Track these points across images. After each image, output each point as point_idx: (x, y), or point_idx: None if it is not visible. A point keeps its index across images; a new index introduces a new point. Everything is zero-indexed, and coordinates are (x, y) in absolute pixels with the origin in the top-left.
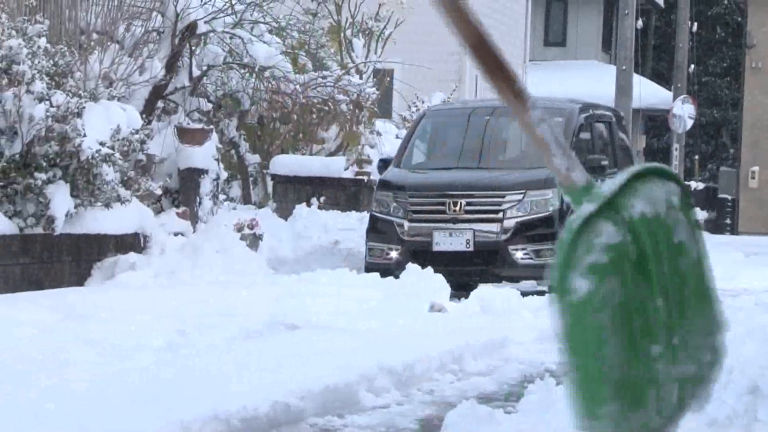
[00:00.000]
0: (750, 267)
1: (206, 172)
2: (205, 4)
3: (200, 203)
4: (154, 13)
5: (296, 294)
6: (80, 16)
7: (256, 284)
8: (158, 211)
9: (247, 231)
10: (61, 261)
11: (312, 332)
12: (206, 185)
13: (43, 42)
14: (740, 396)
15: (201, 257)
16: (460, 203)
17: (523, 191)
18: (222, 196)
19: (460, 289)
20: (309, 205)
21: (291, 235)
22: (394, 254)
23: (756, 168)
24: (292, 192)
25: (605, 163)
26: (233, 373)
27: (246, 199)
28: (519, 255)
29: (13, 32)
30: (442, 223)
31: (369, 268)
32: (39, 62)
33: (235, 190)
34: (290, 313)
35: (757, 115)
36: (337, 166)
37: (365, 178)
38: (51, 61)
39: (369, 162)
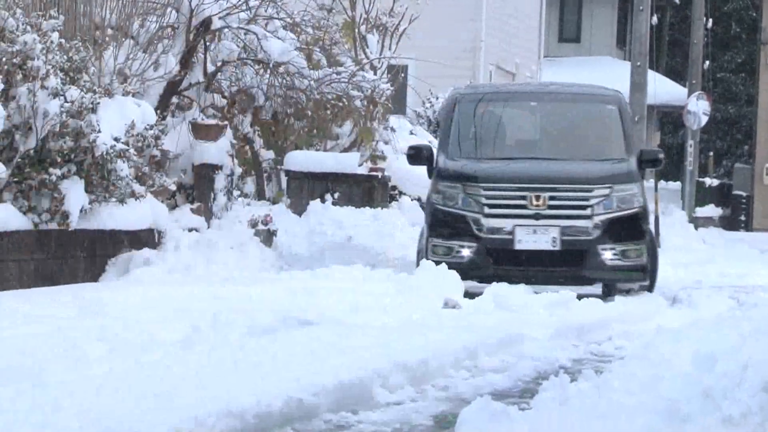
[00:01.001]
0: (765, 264)
1: (220, 167)
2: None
3: (214, 199)
4: (169, 9)
5: (310, 290)
6: (95, 12)
7: (270, 280)
8: (172, 207)
9: (261, 227)
10: (76, 257)
11: (326, 328)
12: (220, 181)
13: (57, 37)
14: (755, 393)
15: (215, 253)
16: (544, 197)
17: (610, 185)
18: (236, 192)
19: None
20: (323, 201)
21: (305, 231)
22: (466, 252)
23: None
24: (306, 188)
25: (662, 156)
26: (247, 369)
27: (260, 195)
28: (608, 255)
29: (28, 27)
30: (523, 218)
31: (435, 264)
32: (53, 58)
33: (249, 185)
34: (304, 309)
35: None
36: (351, 162)
37: (379, 174)
38: (65, 57)
39: (383, 158)
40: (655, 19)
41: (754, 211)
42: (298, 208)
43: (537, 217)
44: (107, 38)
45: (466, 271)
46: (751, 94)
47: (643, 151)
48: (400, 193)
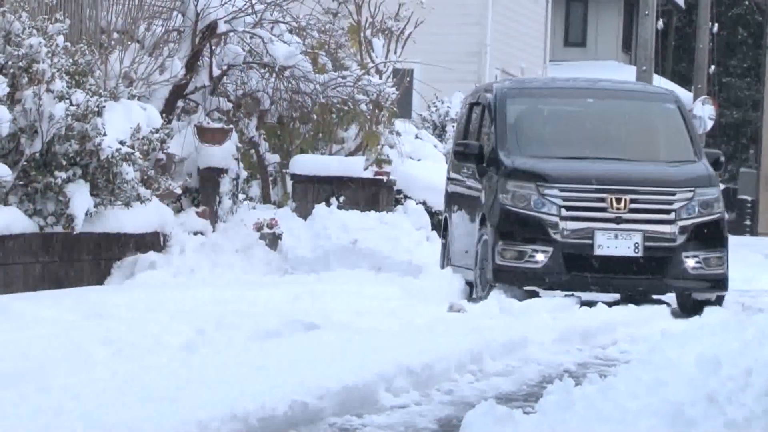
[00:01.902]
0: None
1: (226, 171)
2: (225, 3)
3: (220, 202)
4: (175, 13)
5: (315, 293)
6: (100, 15)
7: (274, 283)
8: (178, 210)
9: (266, 230)
10: (81, 260)
11: (331, 332)
12: (226, 184)
13: (62, 41)
14: (759, 397)
15: (220, 256)
16: (625, 200)
17: (693, 189)
18: (241, 196)
19: (623, 301)
20: (328, 204)
21: (310, 234)
22: (540, 257)
23: None
24: (312, 192)
25: (723, 158)
26: (251, 373)
27: (265, 199)
28: (691, 263)
29: (34, 31)
30: (603, 222)
31: (500, 271)
32: (59, 61)
33: (255, 189)
34: (309, 313)
35: None
36: (357, 166)
37: (384, 178)
38: (71, 60)
39: (388, 162)
40: (660, 23)
41: (760, 215)
42: (304, 212)
43: (618, 221)
44: (113, 42)
45: (540, 277)
46: (757, 99)
47: (707, 153)
48: (405, 196)
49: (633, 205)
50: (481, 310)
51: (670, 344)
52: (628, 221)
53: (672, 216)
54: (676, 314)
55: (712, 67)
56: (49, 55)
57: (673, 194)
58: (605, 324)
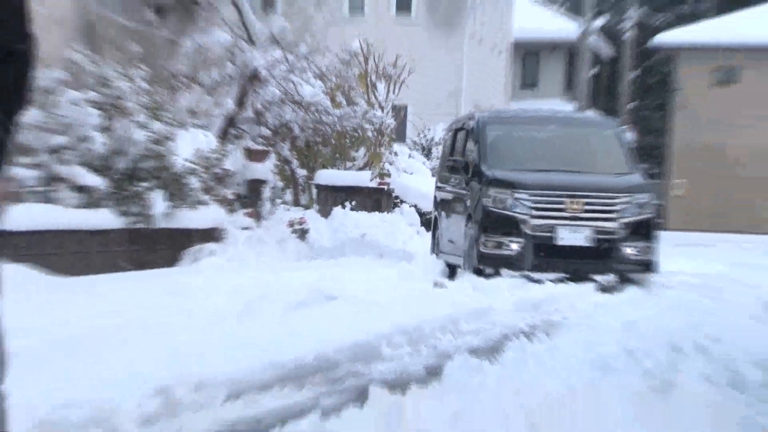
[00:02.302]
0: (676, 255)
1: (266, 182)
2: (266, 54)
3: (262, 206)
4: (228, 62)
5: (334, 274)
6: (172, 65)
7: (303, 267)
8: (231, 212)
9: (297, 227)
10: (158, 248)
11: (346, 302)
12: (266, 192)
13: (143, 84)
14: (667, 352)
15: (263, 247)
16: (579, 203)
17: (630, 194)
18: (278, 200)
19: (577, 281)
20: (343, 207)
21: (330, 230)
22: (515, 246)
23: (683, 180)
24: (331, 197)
25: (651, 172)
26: (286, 333)
27: (296, 203)
28: (629, 251)
29: (123, 77)
30: (563, 219)
31: (483, 258)
32: (141, 99)
33: (288, 195)
34: (329, 288)
35: (682, 141)
36: (365, 178)
37: (385, 187)
38: (150, 99)
39: (388, 175)
40: (593, 71)
41: (668, 215)
42: (325, 213)
43: (574, 218)
44: (181, 85)
45: (515, 261)
46: (667, 128)
47: (639, 167)
48: (401, 201)
49: (585, 207)
50: (458, 286)
51: (600, 312)
52: (581, 219)
53: (615, 215)
54: (605, 290)
55: (633, 103)
56: (134, 94)
57: (616, 198)
58: (550, 296)
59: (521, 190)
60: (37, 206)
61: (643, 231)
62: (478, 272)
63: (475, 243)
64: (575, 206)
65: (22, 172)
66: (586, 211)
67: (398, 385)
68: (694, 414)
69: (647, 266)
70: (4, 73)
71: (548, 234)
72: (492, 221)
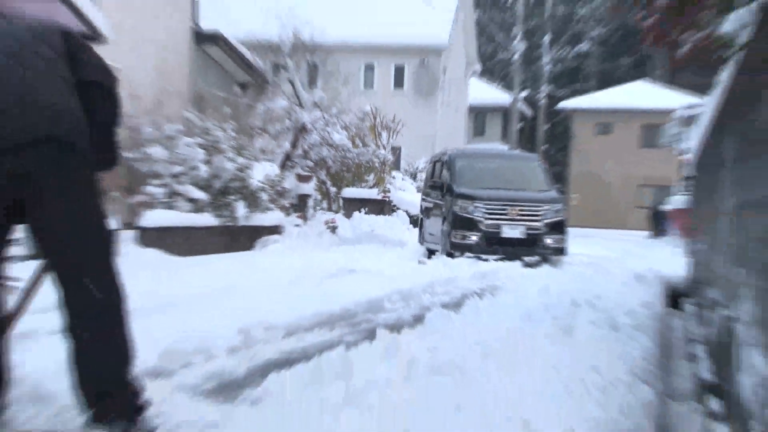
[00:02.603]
0: (576, 244)
1: (310, 196)
2: (310, 114)
3: (307, 211)
4: (286, 119)
5: (354, 256)
6: (249, 121)
7: (334, 251)
8: (287, 215)
9: (330, 224)
10: (240, 239)
11: (362, 274)
12: (310, 202)
13: (231, 133)
14: (568, 307)
15: (308, 238)
16: (516, 209)
17: (549, 204)
18: (318, 207)
19: (513, 261)
20: (360, 212)
21: (351, 227)
22: (474, 238)
23: (577, 194)
24: (352, 206)
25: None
26: (321, 294)
27: (329, 209)
28: (549, 241)
29: (218, 128)
30: (506, 220)
31: (455, 247)
32: (230, 143)
33: (324, 204)
34: (351, 265)
35: (576, 170)
36: (374, 193)
37: (387, 199)
38: (236, 142)
39: (389, 191)
40: (520, 125)
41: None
42: (348, 215)
43: (513, 219)
44: (256, 133)
45: (473, 249)
46: (566, 162)
47: (554, 187)
48: (398, 208)
49: (520, 212)
50: (434, 263)
51: (525, 280)
52: (518, 220)
53: (539, 218)
54: (528, 266)
55: (545, 146)
56: (226, 140)
57: (540, 207)
58: (493, 270)
59: (478, 201)
60: (164, 211)
61: (557, 228)
62: (449, 255)
63: (448, 236)
64: (513, 212)
65: (154, 189)
66: (521, 215)
67: (395, 327)
68: (585, 346)
69: (560, 251)
70: (91, 95)
71: (496, 230)
72: (459, 221)
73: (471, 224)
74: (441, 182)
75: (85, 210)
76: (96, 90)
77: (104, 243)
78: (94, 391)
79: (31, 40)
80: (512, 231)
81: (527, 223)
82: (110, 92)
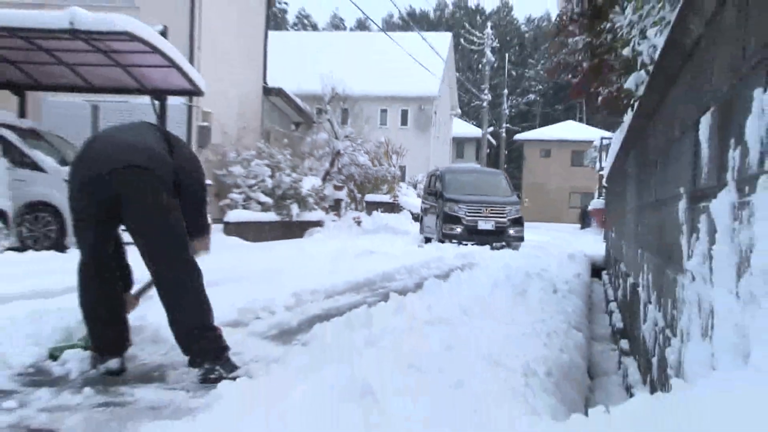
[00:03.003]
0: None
1: (343, 200)
2: (343, 143)
3: (341, 210)
4: (326, 147)
5: (373, 242)
6: (301, 148)
7: (359, 239)
8: (327, 213)
9: (356, 220)
10: (294, 230)
11: (379, 255)
12: (343, 204)
13: (289, 156)
14: (523, 277)
15: (341, 230)
16: (489, 209)
17: (511, 205)
18: (348, 208)
19: (484, 245)
20: (377, 211)
21: (372, 221)
22: (458, 229)
23: (527, 198)
24: (372, 207)
25: (519, 196)
26: (350, 267)
27: (356, 209)
28: (511, 232)
29: (279, 153)
30: (481, 216)
31: (445, 235)
32: (287, 162)
33: (353, 206)
34: (371, 248)
35: (527, 182)
36: (387, 198)
37: (397, 202)
38: (292, 163)
39: (397, 196)
40: (488, 150)
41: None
42: (369, 214)
43: (486, 216)
44: (305, 156)
45: (458, 237)
46: (521, 177)
47: (516, 194)
48: (403, 208)
49: (491, 211)
50: (429, 247)
51: (493, 259)
52: (490, 216)
53: (505, 215)
54: (494, 248)
55: (506, 165)
56: (285, 161)
57: (505, 207)
58: (470, 252)
59: (461, 203)
60: (241, 211)
61: (517, 222)
62: (440, 241)
63: (441, 228)
64: (487, 210)
65: (235, 196)
66: (492, 213)
67: (402, 292)
68: (535, 304)
69: (520, 239)
70: (182, 177)
71: (474, 224)
72: (448, 218)
73: (456, 220)
74: (435, 190)
75: (153, 213)
76: (184, 173)
77: (169, 237)
78: (183, 340)
79: (140, 124)
80: (486, 224)
81: (496, 218)
82: (195, 174)
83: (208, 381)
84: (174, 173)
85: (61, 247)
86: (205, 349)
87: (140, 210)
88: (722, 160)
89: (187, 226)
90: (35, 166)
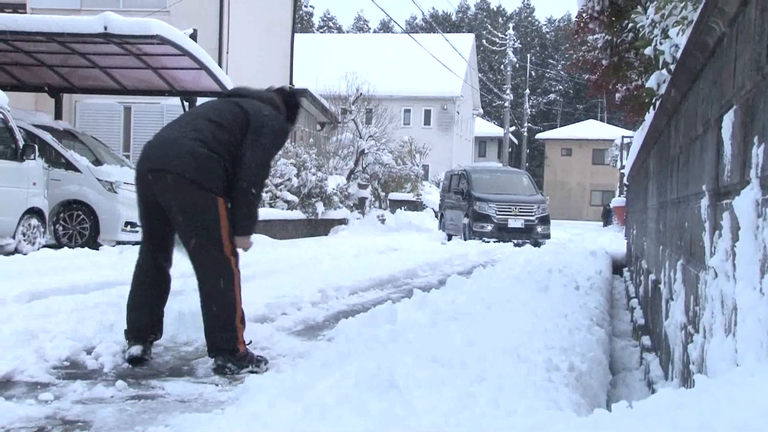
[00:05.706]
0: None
1: (367, 198)
2: (368, 142)
3: (365, 208)
4: (351, 146)
5: (397, 239)
6: (327, 147)
7: (383, 236)
8: (351, 211)
9: (380, 217)
10: (319, 228)
11: (402, 252)
12: (367, 203)
13: (314, 155)
14: (545, 273)
15: (365, 227)
16: (518, 207)
17: (538, 204)
18: (373, 206)
19: (507, 242)
20: (401, 209)
21: (395, 219)
22: (489, 227)
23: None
24: (395, 205)
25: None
26: (373, 265)
27: (380, 207)
28: (539, 229)
29: (305, 152)
30: (510, 215)
31: (474, 233)
32: (312, 162)
33: (377, 204)
34: (395, 245)
35: (549, 180)
36: (410, 196)
37: (420, 200)
38: (317, 162)
39: (420, 195)
40: (510, 149)
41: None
42: (393, 211)
43: (515, 215)
44: (331, 156)
45: (488, 234)
46: (543, 174)
47: (540, 193)
48: (426, 206)
49: (520, 209)
50: (451, 244)
51: (515, 255)
52: (519, 215)
53: (532, 213)
54: (517, 245)
55: (527, 164)
56: (310, 160)
57: (533, 205)
58: (493, 248)
59: (492, 203)
60: (269, 209)
61: (544, 221)
62: (465, 239)
63: (470, 226)
64: (516, 209)
65: (263, 194)
66: (520, 211)
67: (426, 288)
68: (557, 300)
69: (547, 236)
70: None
71: (504, 222)
72: (479, 216)
73: (487, 218)
74: (460, 189)
75: (183, 215)
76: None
77: (200, 238)
78: (206, 336)
79: (211, 107)
80: (515, 222)
81: (525, 216)
82: (242, 185)
83: (220, 373)
84: (224, 169)
85: (94, 245)
86: (219, 348)
87: (171, 211)
88: (745, 157)
89: (233, 220)
90: (70, 166)
